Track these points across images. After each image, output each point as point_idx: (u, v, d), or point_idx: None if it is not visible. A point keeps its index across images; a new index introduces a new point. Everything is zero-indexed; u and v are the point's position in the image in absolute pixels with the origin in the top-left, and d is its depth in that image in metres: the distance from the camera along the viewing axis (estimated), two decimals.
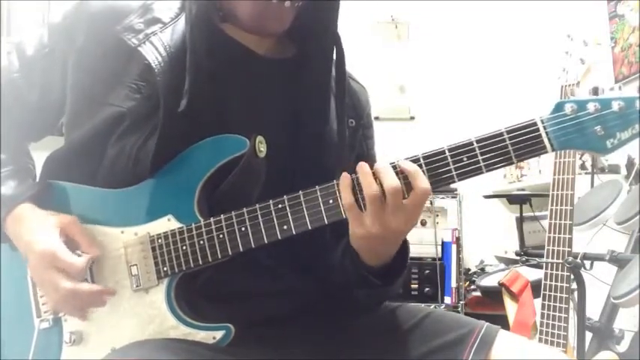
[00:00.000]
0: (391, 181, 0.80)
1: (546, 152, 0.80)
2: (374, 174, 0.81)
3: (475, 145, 0.81)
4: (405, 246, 0.92)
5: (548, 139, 0.79)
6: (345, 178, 0.83)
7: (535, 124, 0.79)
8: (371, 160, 1.07)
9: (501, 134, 0.80)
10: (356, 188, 0.82)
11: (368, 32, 3.78)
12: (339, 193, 0.83)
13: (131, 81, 0.91)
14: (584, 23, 2.80)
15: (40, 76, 0.99)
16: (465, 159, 0.81)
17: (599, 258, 1.70)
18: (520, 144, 0.80)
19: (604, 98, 0.78)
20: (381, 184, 0.80)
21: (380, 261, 0.89)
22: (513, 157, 0.80)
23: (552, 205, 1.64)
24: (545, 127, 0.79)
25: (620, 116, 0.77)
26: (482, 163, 0.81)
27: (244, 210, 0.87)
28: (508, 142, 0.80)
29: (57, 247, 0.87)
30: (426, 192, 0.80)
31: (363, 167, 0.82)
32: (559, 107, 0.79)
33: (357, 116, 1.06)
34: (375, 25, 3.85)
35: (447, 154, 0.82)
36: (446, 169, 0.82)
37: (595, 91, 0.79)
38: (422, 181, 0.80)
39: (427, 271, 3.04)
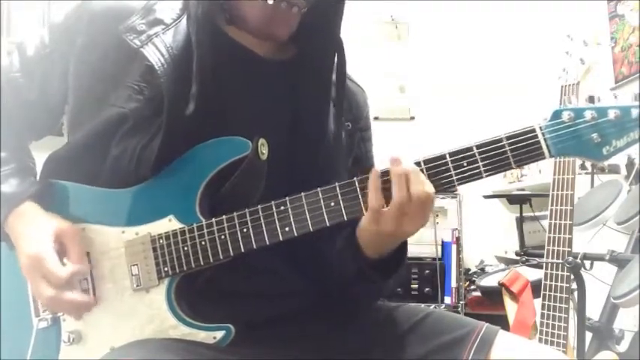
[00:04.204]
0: (420, 187, 0.81)
1: (544, 158, 0.82)
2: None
3: (475, 150, 0.82)
4: (402, 242, 0.92)
5: (547, 146, 0.81)
6: (375, 179, 0.83)
7: (534, 130, 0.81)
8: (369, 162, 1.07)
9: (501, 140, 0.82)
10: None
11: (368, 32, 3.78)
12: (358, 192, 0.84)
13: (133, 82, 0.91)
14: (584, 23, 2.80)
15: (41, 76, 0.99)
16: (465, 164, 0.83)
17: (599, 258, 1.70)
18: (519, 150, 0.81)
19: (600, 107, 0.80)
20: (408, 188, 0.81)
21: (378, 254, 0.90)
22: (512, 163, 0.82)
23: (552, 205, 1.64)
24: (543, 134, 0.81)
25: (615, 124, 0.79)
26: (482, 168, 0.82)
27: (246, 211, 0.87)
28: (507, 147, 0.82)
29: (45, 253, 0.87)
30: (430, 197, 0.82)
31: (397, 169, 0.82)
32: (557, 115, 0.81)
33: (355, 119, 1.06)
34: (375, 25, 3.85)
35: (448, 159, 0.83)
36: (447, 174, 0.83)
37: (591, 99, 0.81)
38: (427, 186, 0.82)
39: (427, 271, 3.05)
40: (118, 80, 0.92)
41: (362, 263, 0.90)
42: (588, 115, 0.80)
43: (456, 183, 0.83)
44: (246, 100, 0.97)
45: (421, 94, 3.76)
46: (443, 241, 3.13)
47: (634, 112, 0.78)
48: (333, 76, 1.00)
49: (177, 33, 0.93)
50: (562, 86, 1.68)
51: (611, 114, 0.79)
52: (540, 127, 0.81)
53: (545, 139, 0.81)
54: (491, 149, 0.82)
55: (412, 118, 3.82)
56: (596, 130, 0.79)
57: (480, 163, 0.82)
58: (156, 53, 0.89)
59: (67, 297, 0.88)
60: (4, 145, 0.99)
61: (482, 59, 3.58)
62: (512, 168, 0.83)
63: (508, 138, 0.82)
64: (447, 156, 0.83)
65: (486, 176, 0.83)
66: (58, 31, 0.99)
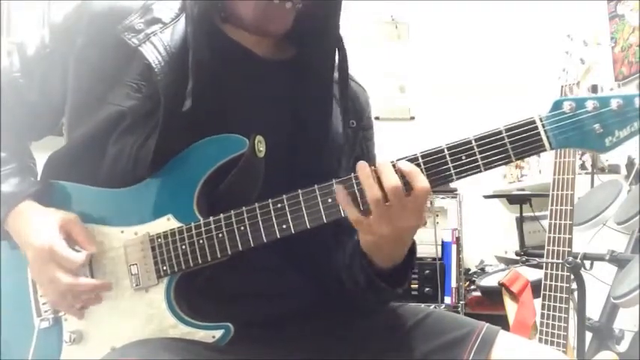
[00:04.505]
0: (390, 180, 0.79)
1: (545, 150, 0.80)
2: (373, 173, 0.81)
3: (474, 143, 0.80)
4: (412, 248, 0.91)
5: (547, 137, 0.78)
6: (341, 194, 0.82)
7: (534, 122, 0.79)
8: (371, 162, 1.07)
9: (500, 132, 0.80)
10: (357, 194, 0.82)
11: (368, 32, 3.78)
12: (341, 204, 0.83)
13: (131, 80, 0.92)
14: (584, 23, 2.80)
15: (41, 76, 1.00)
16: (463, 157, 0.81)
17: (599, 258, 1.70)
18: (519, 142, 0.79)
19: (603, 96, 0.77)
20: (381, 185, 0.80)
21: (391, 262, 0.89)
22: (512, 156, 0.79)
23: (552, 205, 1.64)
24: (543, 125, 0.78)
25: (618, 114, 0.76)
26: (480, 162, 0.80)
27: (243, 209, 0.87)
28: (507, 140, 0.79)
29: (56, 242, 0.88)
30: (426, 191, 0.80)
31: (363, 169, 0.81)
32: (557, 105, 0.78)
33: (357, 118, 1.06)
34: (375, 25, 3.85)
35: (446, 152, 0.81)
36: (444, 167, 0.81)
37: (594, 89, 0.78)
38: (420, 181, 0.79)
39: (427, 271, 3.04)
40: (116, 79, 0.92)
41: (371, 273, 0.89)
42: (590, 105, 0.77)
43: (454, 177, 0.81)
44: (244, 99, 0.97)
45: (421, 94, 3.76)
46: (443, 241, 3.13)
47: (637, 102, 0.75)
48: (335, 74, 1.00)
49: (175, 32, 0.93)
50: (562, 86, 1.68)
51: (614, 103, 0.76)
52: (540, 118, 0.78)
53: (545, 131, 0.78)
54: (490, 142, 0.80)
55: (412, 118, 3.82)
56: (599, 120, 0.77)
57: (479, 156, 0.80)
58: (154, 52, 0.90)
59: (85, 282, 0.88)
60: (5, 145, 0.99)
61: (482, 59, 3.58)
62: (512, 161, 0.80)
63: (507, 130, 0.79)
64: (445, 150, 0.81)
65: (485, 169, 0.80)
66: (58, 31, 1.00)
